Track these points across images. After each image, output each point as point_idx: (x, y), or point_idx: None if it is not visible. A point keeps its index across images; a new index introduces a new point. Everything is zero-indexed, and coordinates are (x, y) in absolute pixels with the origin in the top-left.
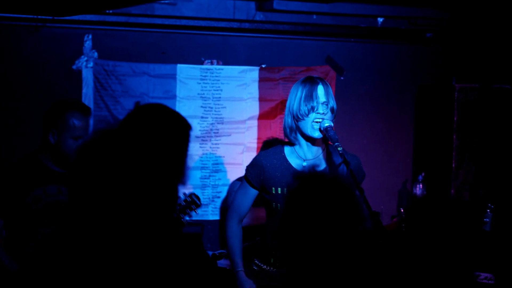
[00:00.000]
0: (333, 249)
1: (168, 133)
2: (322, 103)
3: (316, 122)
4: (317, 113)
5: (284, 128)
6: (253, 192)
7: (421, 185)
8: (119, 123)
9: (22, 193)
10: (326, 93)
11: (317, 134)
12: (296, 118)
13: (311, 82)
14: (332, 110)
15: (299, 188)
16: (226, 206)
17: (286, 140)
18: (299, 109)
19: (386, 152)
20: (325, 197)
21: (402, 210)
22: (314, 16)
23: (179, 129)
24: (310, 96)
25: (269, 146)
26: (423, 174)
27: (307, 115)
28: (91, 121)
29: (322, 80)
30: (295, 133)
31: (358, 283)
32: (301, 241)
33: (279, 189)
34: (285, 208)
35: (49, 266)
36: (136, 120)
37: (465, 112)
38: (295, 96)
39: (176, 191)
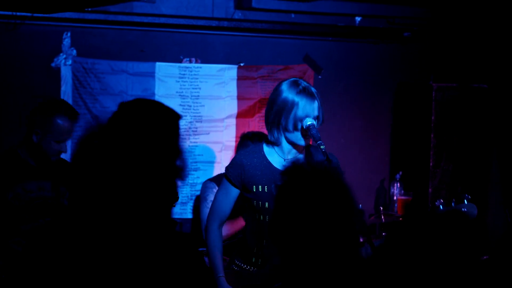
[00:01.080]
0: (329, 244)
1: (160, 124)
2: (315, 118)
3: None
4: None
5: (270, 128)
6: (234, 192)
7: (398, 184)
8: (108, 120)
9: (2, 191)
10: (319, 107)
11: (303, 142)
12: (288, 127)
13: (310, 97)
14: (319, 118)
15: (289, 183)
16: (198, 205)
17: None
18: (294, 122)
19: (364, 150)
20: (319, 190)
21: (381, 209)
22: (293, 15)
23: (170, 119)
24: (308, 113)
25: (246, 139)
26: (400, 173)
27: (299, 130)
28: None
29: (316, 94)
30: (281, 135)
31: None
32: (295, 237)
33: (260, 187)
34: (276, 206)
35: (41, 264)
36: (125, 116)
37: (442, 111)
38: (289, 106)
39: (175, 186)
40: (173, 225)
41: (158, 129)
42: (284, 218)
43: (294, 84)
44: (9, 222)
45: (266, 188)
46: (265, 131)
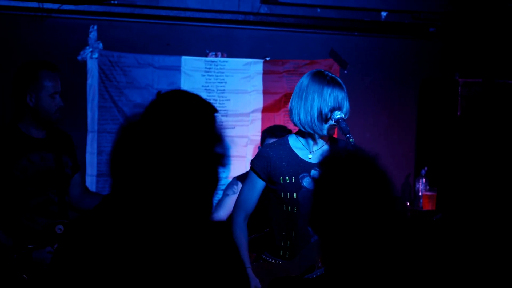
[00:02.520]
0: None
1: (199, 112)
2: (342, 109)
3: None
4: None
5: (297, 120)
6: (260, 184)
7: (424, 180)
8: (146, 108)
9: (8, 164)
10: (345, 96)
11: (330, 133)
12: (319, 117)
13: (339, 87)
14: (347, 111)
15: (325, 174)
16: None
17: (297, 130)
18: (328, 113)
19: (389, 146)
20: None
21: (408, 204)
22: (318, 10)
23: (208, 108)
24: (338, 104)
25: (269, 134)
26: (426, 168)
27: (327, 122)
28: (96, 111)
29: (341, 82)
30: (307, 127)
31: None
32: (338, 226)
33: (287, 178)
34: (315, 197)
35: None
36: (165, 105)
37: (468, 106)
38: (322, 96)
39: (216, 172)
40: (208, 214)
41: (198, 117)
42: (325, 208)
43: (321, 75)
44: (17, 197)
45: (293, 179)
46: (288, 125)
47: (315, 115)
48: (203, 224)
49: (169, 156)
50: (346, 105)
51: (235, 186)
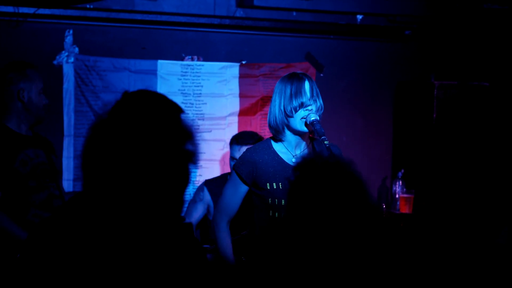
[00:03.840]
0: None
1: (160, 116)
2: (309, 99)
3: (303, 118)
4: (306, 109)
5: (274, 124)
6: (244, 189)
7: (400, 182)
8: (109, 111)
9: (9, 160)
10: (311, 89)
11: (306, 129)
12: (287, 115)
13: (298, 79)
14: (316, 105)
15: (301, 179)
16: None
17: (271, 135)
18: (290, 105)
19: (365, 149)
20: (332, 183)
21: (384, 206)
22: (294, 13)
23: (171, 112)
24: (300, 92)
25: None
26: (402, 170)
27: (296, 111)
28: (72, 116)
29: (307, 77)
30: (283, 129)
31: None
32: (310, 232)
33: (274, 184)
34: (289, 202)
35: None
36: (127, 106)
37: (444, 109)
38: (284, 93)
39: (187, 170)
40: (181, 219)
41: (167, 114)
42: (298, 213)
43: (288, 75)
44: (21, 194)
45: (280, 185)
46: (264, 130)
47: (277, 115)
48: (173, 222)
49: (136, 154)
50: (311, 96)
51: (201, 193)
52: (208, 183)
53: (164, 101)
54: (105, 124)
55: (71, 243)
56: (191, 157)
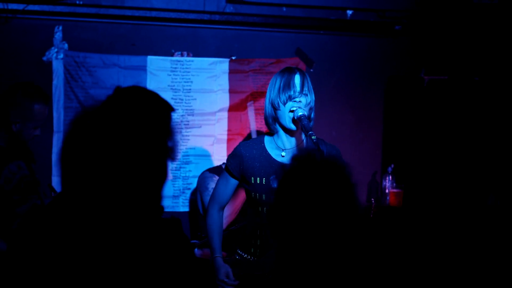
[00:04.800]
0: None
1: (149, 113)
2: (298, 92)
3: (292, 112)
4: (294, 101)
5: (265, 118)
6: (233, 182)
7: (390, 177)
8: (100, 104)
9: None
10: (302, 83)
11: (293, 126)
12: (275, 108)
13: (289, 72)
14: (307, 100)
15: (288, 176)
16: (194, 198)
17: (266, 130)
18: (278, 98)
19: (356, 143)
20: (318, 183)
21: (373, 201)
22: (284, 8)
23: (160, 109)
24: (288, 85)
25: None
26: (392, 165)
27: (285, 104)
28: (62, 112)
29: (300, 70)
30: (275, 123)
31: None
32: (292, 230)
33: (258, 179)
34: (276, 199)
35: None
36: (118, 101)
37: (434, 103)
38: (274, 86)
39: (165, 165)
40: (160, 210)
41: (149, 111)
42: (283, 211)
43: (281, 70)
44: (5, 207)
45: (264, 180)
46: (256, 125)
47: (267, 109)
48: (153, 216)
49: (118, 149)
50: (301, 89)
51: (214, 178)
52: (214, 170)
53: (154, 98)
54: (89, 119)
55: (52, 245)
56: (171, 154)
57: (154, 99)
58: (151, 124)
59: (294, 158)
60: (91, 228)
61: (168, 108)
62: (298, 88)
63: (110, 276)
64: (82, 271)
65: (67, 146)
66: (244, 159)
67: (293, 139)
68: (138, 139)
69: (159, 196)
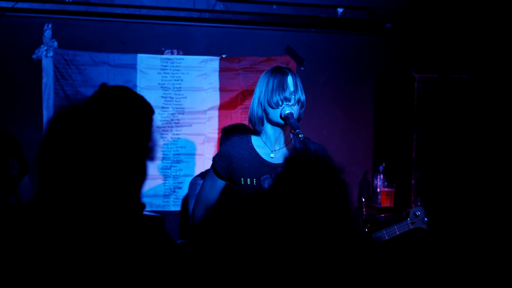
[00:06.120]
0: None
1: (131, 114)
2: (291, 93)
3: (279, 109)
4: (287, 104)
5: (252, 118)
6: (220, 183)
7: (381, 176)
8: (84, 101)
9: None
10: (295, 84)
11: (283, 122)
12: (266, 109)
13: (281, 72)
14: (299, 101)
15: (282, 177)
16: (186, 199)
17: (251, 128)
18: (271, 99)
19: (346, 142)
20: (313, 183)
21: (363, 200)
22: (274, 6)
23: (142, 111)
24: (282, 87)
25: (229, 133)
26: (383, 164)
27: (280, 106)
28: (52, 110)
29: (291, 71)
30: (263, 123)
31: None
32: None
33: (248, 179)
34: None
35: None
36: (101, 100)
37: (425, 102)
38: (266, 86)
39: (144, 165)
40: (141, 208)
41: (129, 111)
42: (277, 212)
43: (272, 68)
44: None
45: (255, 181)
46: (246, 122)
47: (255, 108)
48: (133, 214)
49: (96, 148)
50: (294, 90)
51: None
52: (203, 175)
53: (136, 99)
54: (69, 117)
55: (27, 246)
56: (149, 154)
57: (136, 100)
58: (131, 124)
59: (286, 159)
60: (69, 228)
61: (149, 110)
62: (291, 89)
63: (90, 275)
64: (60, 271)
65: (45, 145)
66: (233, 160)
67: (281, 139)
68: (116, 139)
69: (138, 194)
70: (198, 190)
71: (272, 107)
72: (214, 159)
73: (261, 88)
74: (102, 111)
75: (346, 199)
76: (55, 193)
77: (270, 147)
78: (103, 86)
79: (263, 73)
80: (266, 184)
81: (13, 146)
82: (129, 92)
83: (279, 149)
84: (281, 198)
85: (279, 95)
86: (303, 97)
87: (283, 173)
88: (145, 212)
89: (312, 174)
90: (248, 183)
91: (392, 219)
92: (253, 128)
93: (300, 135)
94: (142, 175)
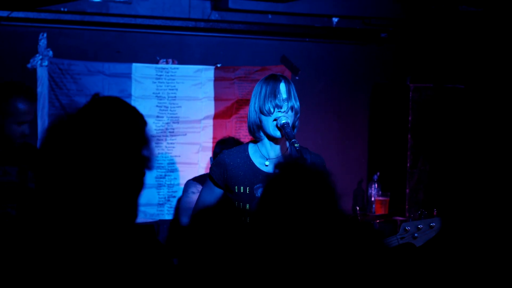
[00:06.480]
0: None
1: (123, 126)
2: (283, 100)
3: (276, 120)
4: (279, 111)
5: (249, 126)
6: (218, 191)
7: (376, 185)
8: (77, 111)
9: None
10: (288, 91)
11: (278, 134)
12: (259, 116)
13: (274, 80)
14: (292, 108)
15: (271, 186)
16: (178, 206)
17: (251, 138)
18: (263, 106)
19: (341, 151)
20: (301, 192)
21: (358, 209)
22: (269, 16)
23: (135, 123)
24: (273, 94)
25: (223, 145)
26: (378, 173)
27: (271, 113)
28: (46, 120)
29: (284, 78)
30: (259, 131)
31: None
32: (275, 241)
33: (242, 188)
34: (259, 208)
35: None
36: (93, 111)
37: (419, 111)
38: (259, 94)
39: (141, 175)
40: (132, 217)
41: (125, 124)
42: (267, 221)
43: (266, 75)
44: None
45: (248, 190)
46: (242, 133)
47: (251, 116)
48: (127, 225)
49: (93, 157)
50: (287, 96)
51: (198, 186)
52: (197, 179)
53: (128, 110)
54: (67, 126)
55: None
56: (146, 164)
57: (128, 111)
58: (122, 134)
59: (277, 168)
60: (64, 237)
61: (142, 121)
62: (284, 96)
63: (84, 283)
64: (54, 278)
65: (42, 154)
66: (228, 168)
67: (277, 148)
68: (107, 149)
69: (134, 205)
70: (190, 187)
71: (264, 114)
72: (211, 167)
73: (255, 96)
74: (95, 121)
75: (335, 211)
76: (52, 201)
77: (265, 155)
78: (95, 97)
79: (259, 81)
80: (259, 193)
81: (35, 157)
82: (121, 103)
83: (274, 158)
84: (270, 207)
85: (271, 102)
86: (297, 105)
87: (272, 182)
88: (138, 220)
89: (301, 184)
90: (242, 191)
91: (387, 227)
92: (252, 136)
93: (296, 145)
94: (137, 185)
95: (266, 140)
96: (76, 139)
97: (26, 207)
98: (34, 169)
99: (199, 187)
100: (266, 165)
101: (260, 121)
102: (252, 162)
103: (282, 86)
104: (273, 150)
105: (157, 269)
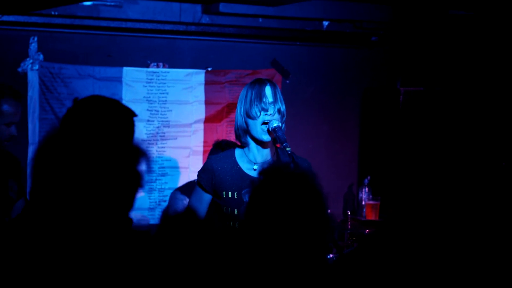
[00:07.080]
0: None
1: (113, 121)
2: (270, 103)
3: (265, 124)
4: (266, 114)
5: (236, 131)
6: (207, 197)
7: (367, 189)
8: (67, 113)
9: None
10: (274, 94)
11: (266, 137)
12: (246, 120)
13: (259, 83)
14: (279, 111)
15: (258, 190)
16: (166, 216)
17: (238, 142)
18: (249, 110)
19: (332, 155)
20: (288, 197)
21: (348, 213)
22: (260, 19)
23: (124, 116)
24: (259, 97)
25: (219, 148)
26: (369, 177)
27: (258, 117)
28: (37, 124)
29: (270, 81)
30: (246, 135)
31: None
32: (264, 246)
33: (230, 193)
34: (247, 213)
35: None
36: (78, 114)
37: (410, 115)
38: (245, 98)
39: (132, 193)
40: (128, 223)
41: (115, 121)
42: (255, 226)
43: (252, 80)
44: None
45: (236, 195)
46: (232, 137)
47: (238, 121)
48: (123, 229)
49: (86, 161)
50: (273, 100)
51: (184, 201)
52: (181, 189)
53: (115, 106)
54: (57, 132)
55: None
56: (142, 164)
57: (115, 106)
58: (114, 133)
59: (264, 173)
60: (59, 242)
61: (130, 114)
62: (270, 99)
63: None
64: (50, 284)
65: (37, 159)
66: (216, 173)
67: (264, 152)
68: (100, 150)
69: (129, 208)
70: (178, 205)
71: (251, 118)
72: (199, 173)
73: (241, 101)
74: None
75: (322, 215)
76: (45, 207)
77: (252, 160)
78: (75, 101)
79: (245, 86)
80: (246, 197)
81: (15, 167)
82: (99, 100)
83: (262, 162)
84: (258, 212)
85: (257, 105)
86: (283, 108)
87: (259, 186)
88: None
89: (289, 188)
90: (230, 196)
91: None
92: (239, 141)
93: (287, 149)
94: (134, 186)
95: (253, 145)
96: (69, 142)
97: (6, 217)
98: (16, 176)
99: (186, 202)
100: (255, 170)
101: (247, 125)
102: (239, 167)
103: (268, 89)
104: (260, 155)
105: (152, 271)
